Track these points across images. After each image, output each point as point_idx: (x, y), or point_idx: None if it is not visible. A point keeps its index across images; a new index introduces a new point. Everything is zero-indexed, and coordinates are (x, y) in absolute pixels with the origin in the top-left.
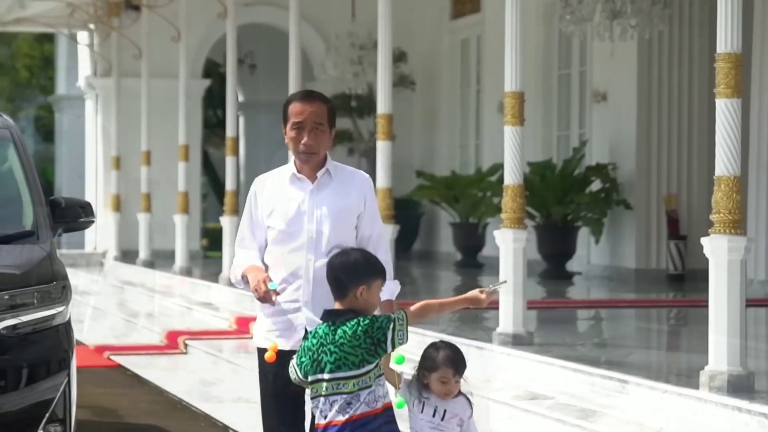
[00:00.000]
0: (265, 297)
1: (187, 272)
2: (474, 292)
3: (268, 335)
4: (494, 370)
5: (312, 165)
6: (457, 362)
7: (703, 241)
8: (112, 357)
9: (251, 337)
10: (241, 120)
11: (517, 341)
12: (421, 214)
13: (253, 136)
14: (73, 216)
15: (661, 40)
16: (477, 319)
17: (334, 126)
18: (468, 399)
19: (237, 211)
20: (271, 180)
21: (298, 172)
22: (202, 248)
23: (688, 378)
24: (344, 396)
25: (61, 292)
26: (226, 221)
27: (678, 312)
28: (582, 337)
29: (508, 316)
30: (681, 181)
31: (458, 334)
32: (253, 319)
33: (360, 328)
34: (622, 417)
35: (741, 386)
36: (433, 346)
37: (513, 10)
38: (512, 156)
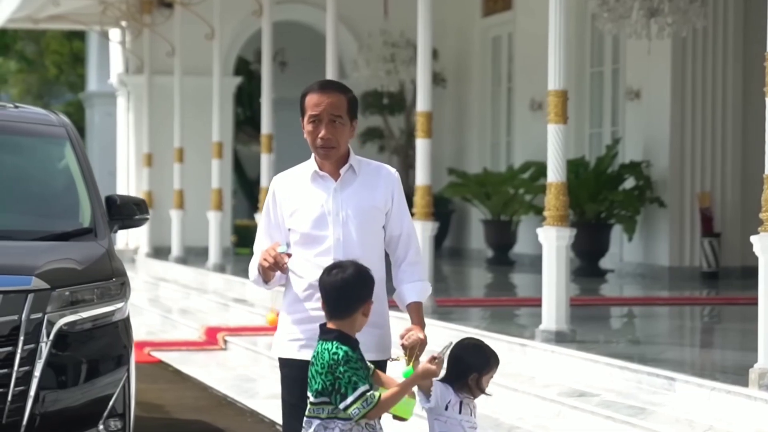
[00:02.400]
0: (277, 260)
1: (221, 269)
2: (425, 366)
3: (290, 343)
4: (538, 367)
5: (333, 161)
6: (498, 360)
7: (753, 239)
8: (153, 353)
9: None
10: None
11: (560, 338)
12: (452, 212)
13: (282, 134)
14: (128, 213)
15: (695, 37)
16: (514, 316)
17: (356, 118)
18: None
19: None
20: (291, 178)
21: (320, 169)
22: (232, 244)
23: (735, 375)
24: (319, 421)
25: (120, 288)
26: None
27: (714, 310)
28: (622, 334)
29: (551, 313)
30: (715, 178)
31: (501, 332)
32: None
33: (337, 364)
34: (671, 414)
35: None
36: (475, 347)
37: (556, 9)
38: (555, 154)
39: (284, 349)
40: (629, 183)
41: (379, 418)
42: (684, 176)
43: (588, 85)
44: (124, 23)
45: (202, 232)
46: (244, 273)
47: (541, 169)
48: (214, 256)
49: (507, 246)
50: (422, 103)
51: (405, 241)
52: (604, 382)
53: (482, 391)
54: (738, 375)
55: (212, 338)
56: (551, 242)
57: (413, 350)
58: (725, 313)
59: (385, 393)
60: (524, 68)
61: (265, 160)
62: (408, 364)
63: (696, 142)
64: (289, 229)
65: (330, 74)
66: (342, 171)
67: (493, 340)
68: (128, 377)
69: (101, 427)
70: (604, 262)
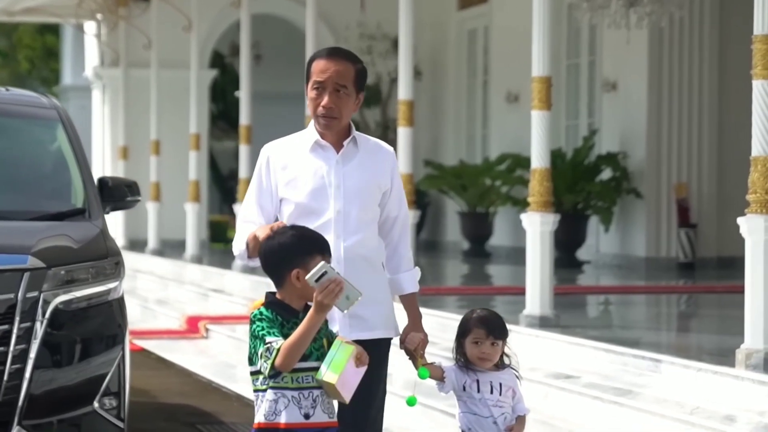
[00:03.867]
0: None
1: (198, 260)
2: (315, 300)
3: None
4: (523, 351)
5: (334, 132)
6: (489, 322)
7: (740, 220)
8: (135, 341)
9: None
10: None
11: (544, 323)
12: (428, 204)
13: (257, 127)
14: (119, 195)
15: (671, 29)
16: (495, 304)
17: (363, 90)
18: (515, 371)
19: None
20: (287, 145)
21: (321, 138)
22: (207, 238)
23: (720, 357)
24: (258, 393)
25: (115, 268)
26: (239, 208)
27: (692, 298)
28: (604, 320)
29: (535, 298)
30: (691, 169)
31: None
32: None
33: (252, 323)
34: (658, 395)
35: None
36: (469, 312)
37: None
38: (539, 140)
39: None
40: (606, 174)
41: (319, 394)
42: (660, 167)
43: (564, 77)
44: (99, 16)
45: (178, 225)
46: (221, 264)
47: (517, 161)
48: (191, 247)
49: (483, 238)
50: (403, 92)
51: (401, 223)
52: (589, 365)
53: (468, 358)
54: (722, 356)
55: (193, 327)
56: (535, 228)
57: (417, 351)
58: (703, 300)
59: (286, 340)
60: (500, 61)
61: (244, 152)
62: (417, 366)
63: (672, 134)
64: (282, 200)
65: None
66: (345, 143)
67: None
68: (123, 356)
69: (96, 405)
70: (581, 253)
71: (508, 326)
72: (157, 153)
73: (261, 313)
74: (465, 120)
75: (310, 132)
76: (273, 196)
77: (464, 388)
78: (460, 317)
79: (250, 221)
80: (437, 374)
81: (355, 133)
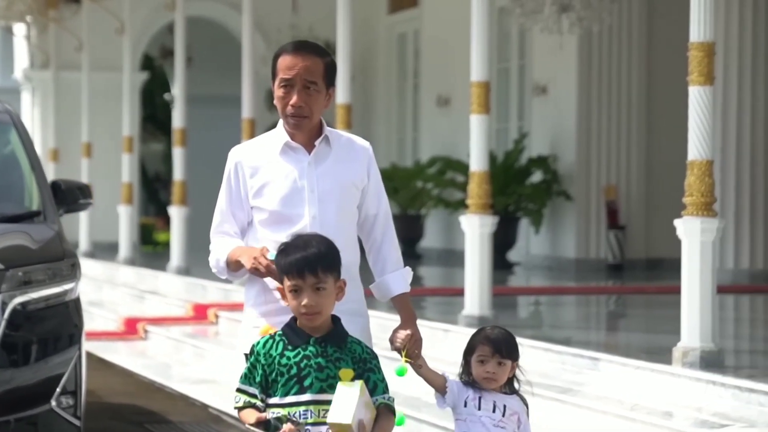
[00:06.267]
0: (269, 270)
1: (131, 262)
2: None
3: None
4: (461, 351)
5: (305, 131)
6: (495, 340)
7: (676, 222)
8: None
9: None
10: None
11: (483, 323)
12: None
13: (187, 130)
14: (72, 198)
15: (601, 33)
16: (430, 305)
17: (333, 85)
18: (523, 398)
19: (185, 201)
20: (255, 149)
21: (291, 139)
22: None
23: (656, 355)
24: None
25: (71, 269)
26: (174, 211)
27: (623, 299)
28: (541, 320)
29: (474, 299)
30: (620, 172)
31: (421, 317)
32: (211, 306)
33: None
34: (599, 393)
35: (713, 362)
36: (479, 330)
37: (479, 1)
38: (478, 144)
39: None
40: (536, 177)
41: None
42: (590, 170)
43: (495, 81)
44: (29, 18)
45: (109, 227)
46: (154, 266)
47: (448, 164)
48: (124, 249)
49: (415, 240)
50: (341, 95)
51: (383, 221)
52: (528, 364)
53: (474, 377)
54: (658, 354)
55: (131, 328)
56: (474, 230)
57: (410, 351)
58: (634, 301)
59: (244, 412)
60: (431, 65)
61: (178, 155)
62: (402, 360)
63: (602, 137)
64: (253, 207)
65: (246, 72)
66: (317, 143)
67: None
68: (79, 356)
69: (54, 403)
70: (512, 255)
71: (448, 326)
72: (89, 155)
73: (257, 345)
74: (396, 123)
75: (280, 133)
76: (244, 204)
77: (465, 404)
78: (396, 317)
79: (224, 232)
80: (439, 383)
81: (327, 130)
